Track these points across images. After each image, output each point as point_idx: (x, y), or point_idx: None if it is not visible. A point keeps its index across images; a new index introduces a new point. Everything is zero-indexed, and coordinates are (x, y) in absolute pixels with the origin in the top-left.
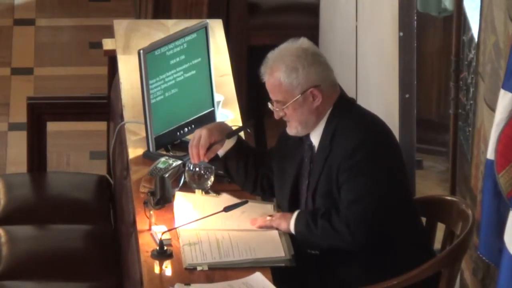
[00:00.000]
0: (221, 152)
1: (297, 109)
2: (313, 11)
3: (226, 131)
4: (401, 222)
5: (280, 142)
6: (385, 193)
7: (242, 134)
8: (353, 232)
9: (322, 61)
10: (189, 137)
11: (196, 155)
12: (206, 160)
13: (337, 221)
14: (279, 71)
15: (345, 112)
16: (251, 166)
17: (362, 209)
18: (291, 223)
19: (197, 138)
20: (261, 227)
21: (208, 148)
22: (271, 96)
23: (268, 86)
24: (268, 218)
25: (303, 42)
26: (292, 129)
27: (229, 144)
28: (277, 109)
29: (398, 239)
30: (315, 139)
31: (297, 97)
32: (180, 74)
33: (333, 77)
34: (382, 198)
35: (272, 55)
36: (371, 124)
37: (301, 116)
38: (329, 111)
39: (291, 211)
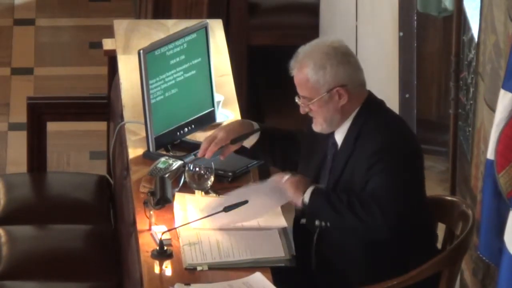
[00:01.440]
0: (247, 144)
1: (322, 107)
2: (313, 11)
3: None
4: (417, 222)
5: (309, 134)
6: (410, 191)
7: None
8: (385, 212)
9: (351, 61)
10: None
11: (204, 150)
12: (222, 158)
13: (367, 200)
14: (307, 67)
15: (373, 114)
16: (278, 158)
17: (391, 196)
18: (307, 192)
19: (213, 136)
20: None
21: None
22: (298, 91)
23: (296, 81)
24: (285, 178)
25: (335, 40)
26: (318, 126)
27: (254, 137)
28: (303, 104)
29: (411, 238)
30: (339, 137)
31: (323, 95)
32: (180, 74)
33: (362, 78)
34: (408, 195)
35: (302, 50)
36: (398, 127)
37: (326, 114)
38: (356, 111)
39: None
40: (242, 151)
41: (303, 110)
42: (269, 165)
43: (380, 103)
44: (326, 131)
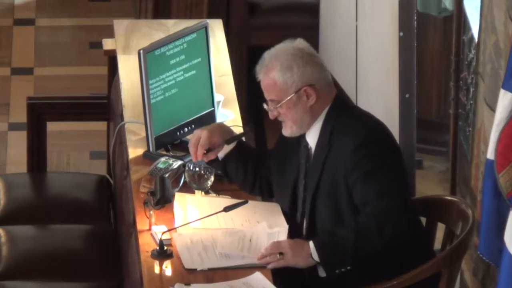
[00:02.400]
0: (221, 154)
1: (291, 108)
2: (313, 11)
3: (226, 135)
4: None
5: (280, 143)
6: (397, 188)
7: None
8: (394, 222)
9: (317, 61)
10: (189, 137)
11: (194, 154)
12: (206, 161)
13: (371, 221)
14: (274, 70)
15: (343, 111)
16: (250, 170)
17: (385, 206)
18: (313, 255)
19: (196, 138)
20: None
21: (209, 150)
22: (266, 95)
23: (263, 85)
24: (279, 256)
25: (299, 42)
26: (287, 129)
27: (229, 146)
28: (271, 108)
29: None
30: (312, 139)
31: (291, 95)
32: (180, 74)
33: (329, 78)
34: (396, 192)
35: (268, 55)
36: (371, 121)
37: (295, 115)
38: (325, 111)
39: (292, 212)
40: (213, 161)
41: (272, 114)
42: (236, 181)
43: (347, 101)
44: (296, 133)
